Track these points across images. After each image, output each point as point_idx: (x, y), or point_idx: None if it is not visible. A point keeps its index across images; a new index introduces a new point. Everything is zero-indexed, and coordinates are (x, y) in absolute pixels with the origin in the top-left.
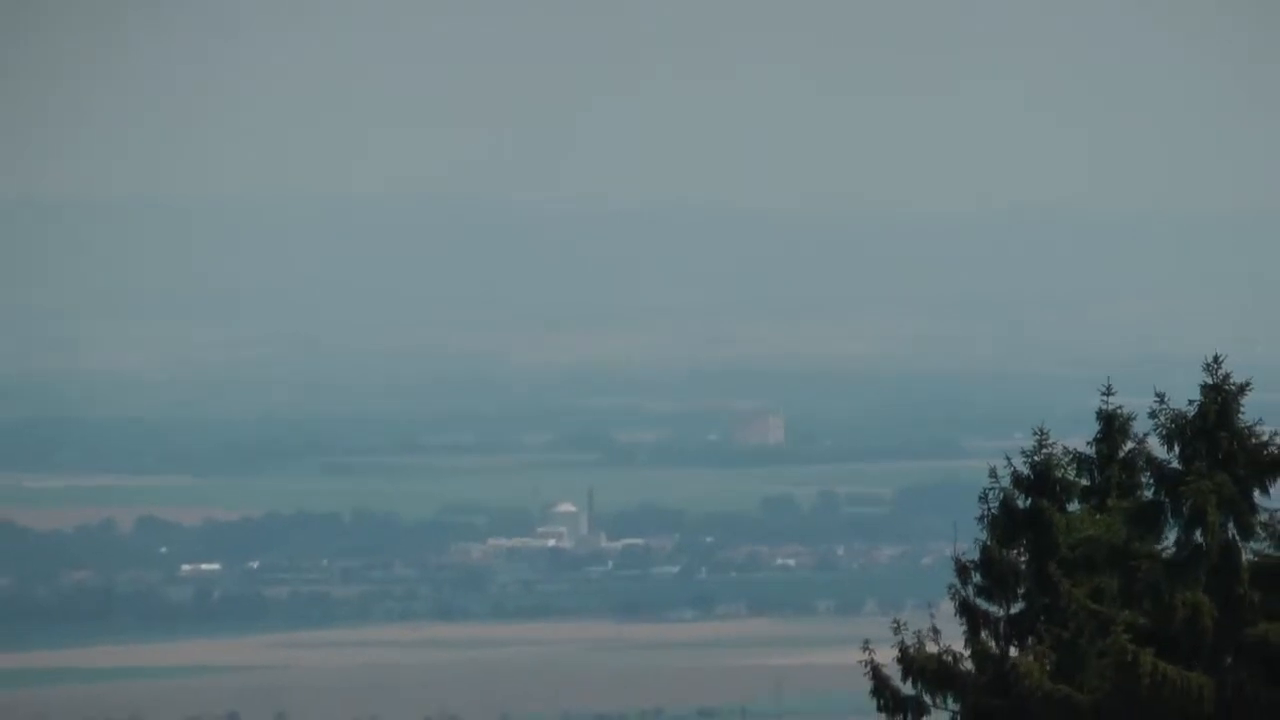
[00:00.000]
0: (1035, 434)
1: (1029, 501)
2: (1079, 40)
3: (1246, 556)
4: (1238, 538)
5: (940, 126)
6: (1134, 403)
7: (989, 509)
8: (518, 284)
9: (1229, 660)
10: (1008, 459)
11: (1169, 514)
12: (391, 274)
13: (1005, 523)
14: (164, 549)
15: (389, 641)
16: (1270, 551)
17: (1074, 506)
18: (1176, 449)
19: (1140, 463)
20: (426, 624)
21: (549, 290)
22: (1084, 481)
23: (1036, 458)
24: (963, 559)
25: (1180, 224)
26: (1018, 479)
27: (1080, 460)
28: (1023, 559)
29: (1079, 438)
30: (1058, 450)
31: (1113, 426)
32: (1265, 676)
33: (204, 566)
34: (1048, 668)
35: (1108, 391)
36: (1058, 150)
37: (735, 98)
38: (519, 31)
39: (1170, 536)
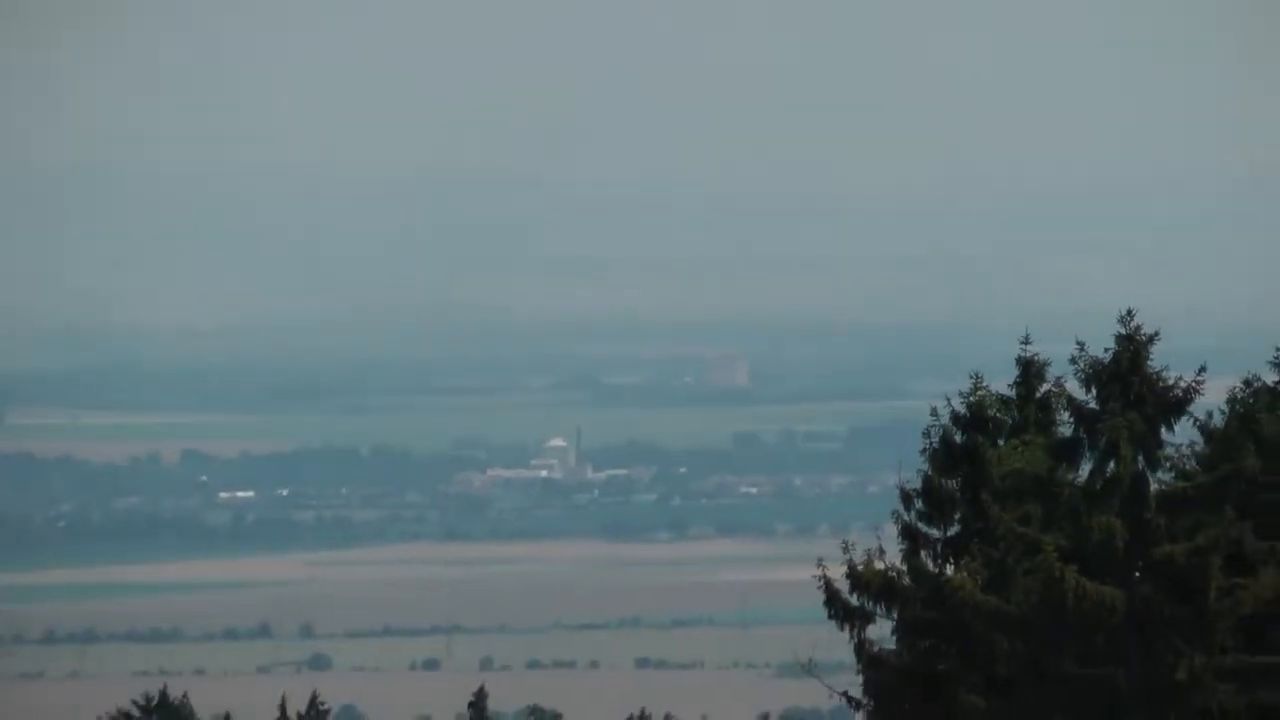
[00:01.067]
0: (971, 378)
1: (964, 437)
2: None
3: (1154, 486)
4: (1146, 469)
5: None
6: (1063, 350)
7: (930, 444)
8: (521, 244)
9: (1138, 576)
10: (947, 400)
11: (1087, 448)
12: (409, 238)
13: (944, 456)
14: (204, 478)
15: (402, 560)
16: (1174, 481)
17: (1004, 443)
18: (1094, 391)
19: (1056, 403)
20: (434, 544)
21: (548, 249)
22: (1009, 419)
23: (971, 399)
24: (906, 488)
25: (1124, 190)
26: (955, 418)
27: (1004, 401)
28: (958, 488)
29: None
30: (990, 395)
31: (1029, 371)
32: (1169, 591)
33: (239, 494)
34: (979, 583)
35: (1026, 340)
36: (1016, 119)
37: (713, 82)
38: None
39: (1087, 468)
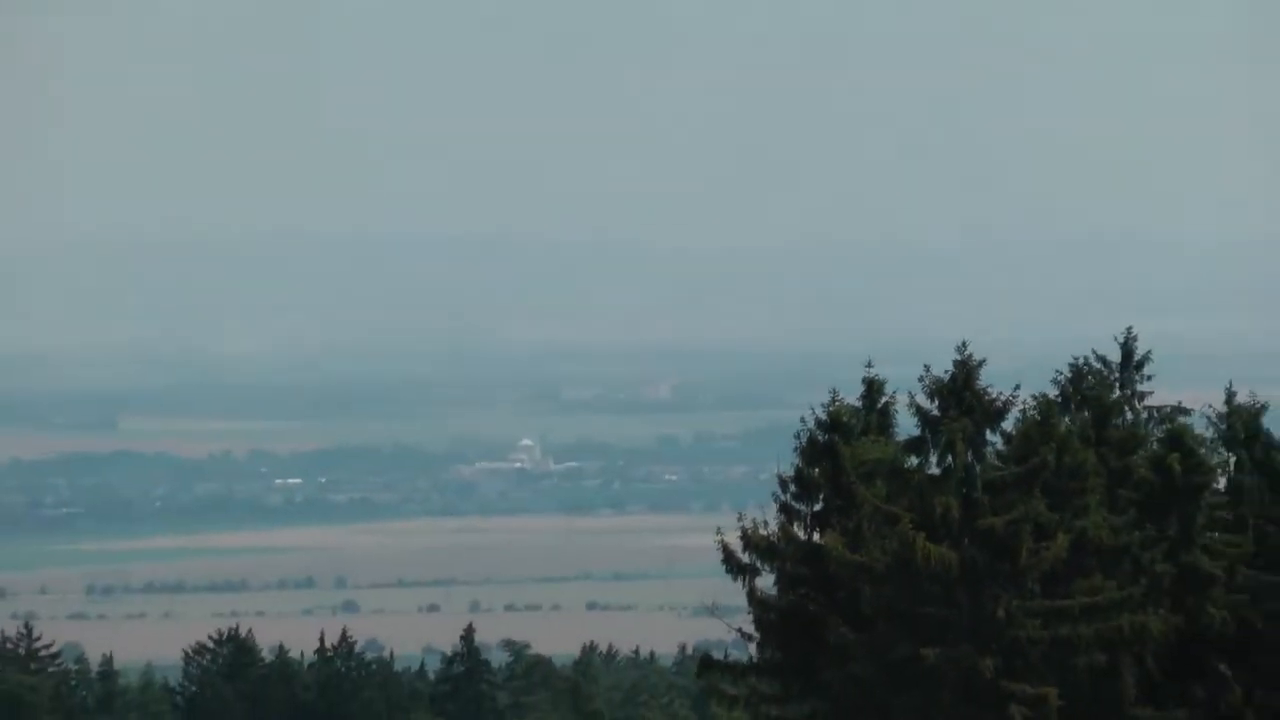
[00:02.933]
0: (830, 393)
1: (825, 438)
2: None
3: (981, 473)
4: (975, 461)
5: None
6: (915, 371)
7: (800, 443)
8: (500, 292)
9: (968, 541)
10: (812, 410)
11: (930, 445)
12: (418, 287)
13: (810, 452)
14: (264, 469)
15: (412, 530)
16: (995, 470)
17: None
18: (936, 402)
19: (893, 411)
20: (436, 519)
21: (520, 297)
22: (860, 425)
23: (830, 409)
24: (783, 475)
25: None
26: (819, 423)
27: (854, 410)
28: (821, 476)
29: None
30: (845, 406)
31: (872, 388)
32: (991, 552)
33: (290, 481)
34: (847, 544)
35: (869, 364)
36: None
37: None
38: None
39: (932, 459)
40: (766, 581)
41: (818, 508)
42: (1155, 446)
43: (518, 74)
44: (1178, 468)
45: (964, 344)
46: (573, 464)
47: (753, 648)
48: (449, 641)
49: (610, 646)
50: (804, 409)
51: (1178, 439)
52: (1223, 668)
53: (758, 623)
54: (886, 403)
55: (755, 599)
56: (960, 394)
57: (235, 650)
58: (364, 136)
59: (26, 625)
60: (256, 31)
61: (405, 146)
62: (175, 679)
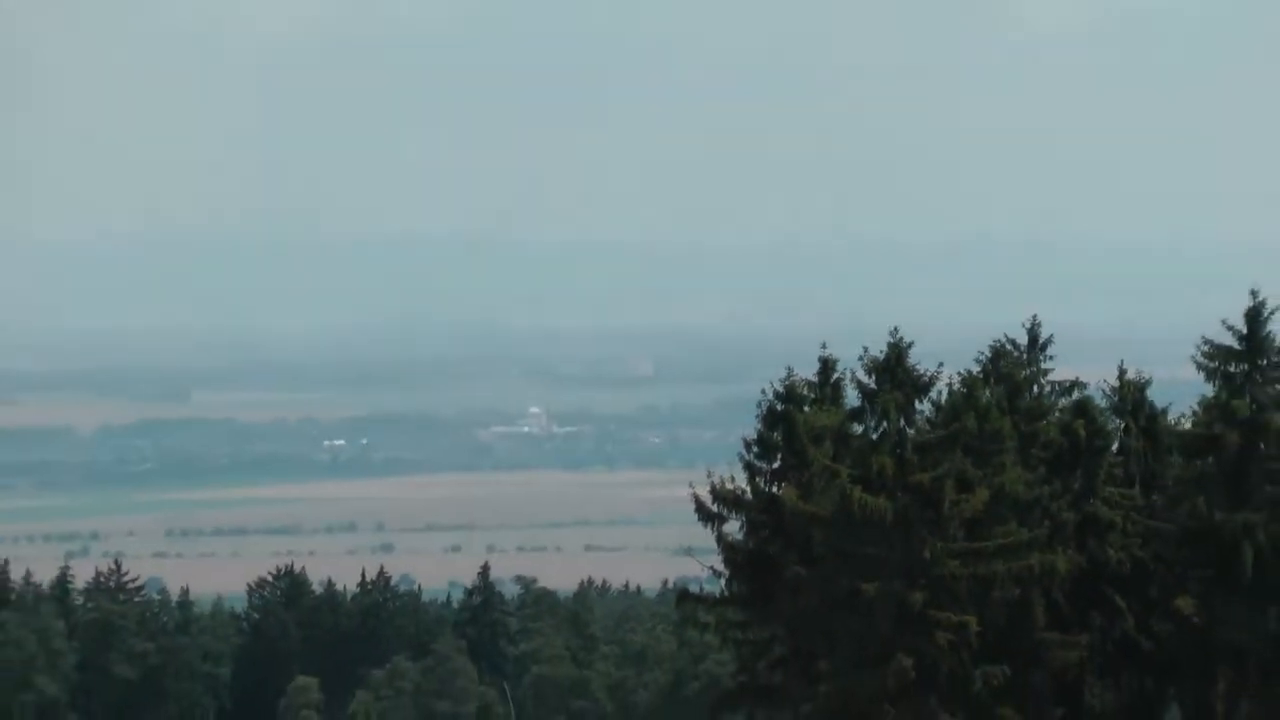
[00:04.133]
0: (786, 370)
1: (782, 407)
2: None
3: (912, 435)
4: (905, 426)
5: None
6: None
7: (761, 411)
8: (508, 285)
9: (900, 493)
10: (772, 384)
11: (869, 413)
12: (445, 282)
13: (769, 418)
14: (314, 433)
15: (438, 484)
16: (925, 433)
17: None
18: (873, 377)
19: (844, 385)
20: (459, 474)
21: (527, 289)
22: (812, 396)
23: (786, 383)
24: (747, 438)
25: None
26: (777, 395)
27: (809, 384)
28: (779, 439)
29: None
30: (799, 380)
31: (826, 365)
32: (920, 502)
33: (336, 442)
34: (802, 497)
35: (824, 346)
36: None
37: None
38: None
39: (871, 425)
40: (733, 527)
41: (776, 465)
42: (1060, 415)
43: (516, 86)
44: (1083, 432)
45: (896, 329)
46: (571, 429)
47: (722, 582)
48: (469, 577)
49: (604, 581)
50: (765, 383)
51: (1083, 408)
52: (1118, 599)
53: (726, 562)
54: (837, 378)
55: (724, 542)
56: (893, 371)
57: (290, 584)
58: (389, 149)
59: (116, 563)
60: (312, 45)
61: (422, 159)
62: (241, 607)
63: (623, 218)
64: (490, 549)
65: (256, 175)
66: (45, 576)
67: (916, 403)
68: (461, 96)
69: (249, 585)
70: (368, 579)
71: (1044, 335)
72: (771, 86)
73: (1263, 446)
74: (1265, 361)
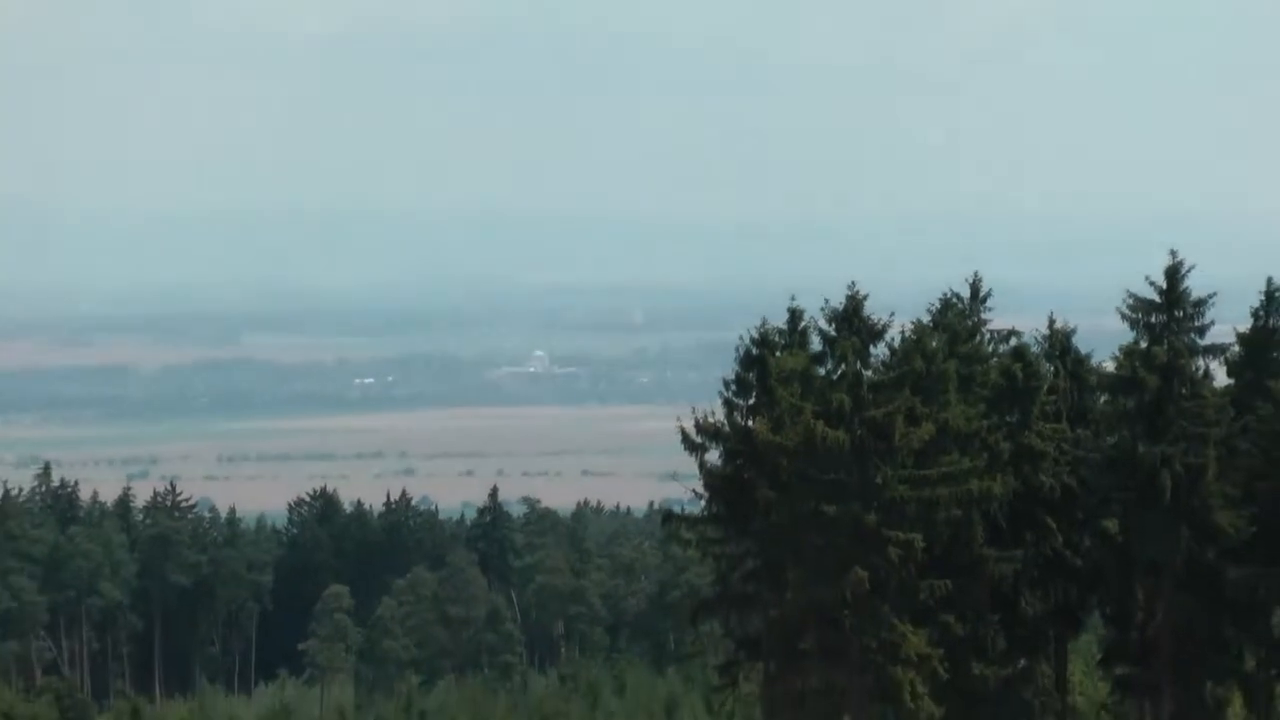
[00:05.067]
0: (762, 320)
1: (756, 351)
2: None
3: (867, 376)
4: (862, 369)
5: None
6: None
7: (739, 354)
8: (518, 247)
9: (856, 427)
10: (749, 330)
11: (829, 357)
12: (461, 244)
13: (745, 361)
14: (346, 372)
15: (454, 417)
16: (879, 374)
17: (779, 355)
18: (834, 325)
19: (810, 332)
20: (473, 408)
21: (532, 250)
22: (782, 342)
23: (760, 330)
24: (726, 379)
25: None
26: (753, 340)
27: (779, 331)
28: (754, 379)
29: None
30: (771, 328)
31: (794, 316)
32: (873, 434)
33: (366, 380)
34: (769, 429)
35: (793, 298)
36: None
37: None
38: None
39: (831, 367)
40: (713, 456)
41: (750, 402)
42: (998, 359)
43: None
44: (1018, 374)
45: (854, 283)
46: (571, 369)
47: (702, 504)
48: (480, 498)
49: (598, 503)
50: (742, 331)
51: (1019, 353)
52: (1049, 520)
53: (706, 486)
54: (804, 327)
55: (704, 469)
56: (851, 320)
57: (325, 503)
58: (419, 132)
59: (172, 484)
60: (347, 43)
61: (444, 140)
62: (281, 524)
63: (617, 190)
64: (499, 474)
65: (300, 155)
66: (110, 496)
67: (871, 348)
68: (479, 89)
69: (288, 504)
70: (391, 500)
71: (984, 290)
72: (745, 79)
73: (1178, 387)
74: (1181, 313)
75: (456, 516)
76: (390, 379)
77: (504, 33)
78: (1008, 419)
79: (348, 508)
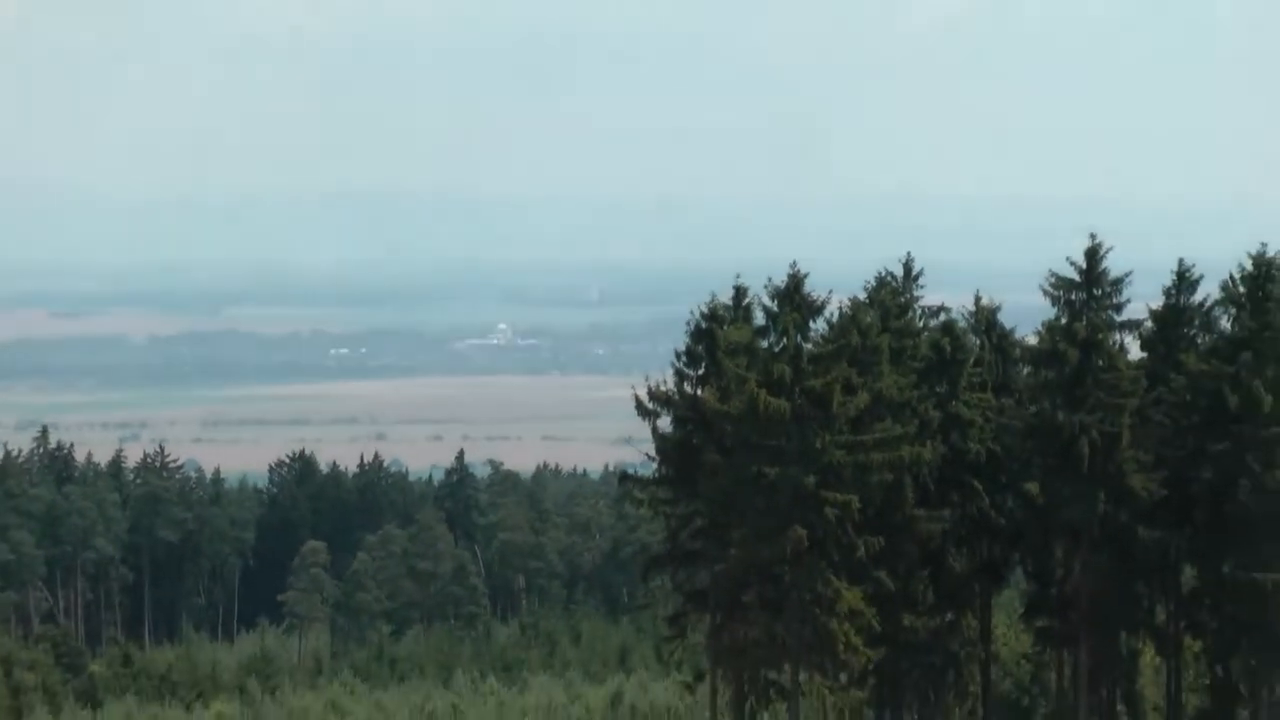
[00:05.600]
0: (710, 295)
1: (705, 325)
2: None
3: (807, 349)
4: (802, 342)
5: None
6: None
7: (689, 328)
8: (491, 229)
9: (796, 396)
10: (700, 305)
11: (772, 330)
12: (439, 230)
13: (695, 334)
14: (323, 343)
15: (423, 386)
16: (818, 346)
17: (725, 329)
18: (776, 302)
19: (754, 308)
20: (442, 377)
21: (491, 228)
22: (729, 317)
23: (710, 306)
24: (678, 350)
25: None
26: (702, 315)
27: (727, 307)
28: (703, 351)
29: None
30: (719, 304)
31: (739, 293)
32: (813, 403)
33: (341, 350)
34: (716, 398)
35: (738, 276)
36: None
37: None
38: None
39: (774, 340)
40: (664, 422)
41: (700, 373)
42: (928, 333)
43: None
44: (948, 347)
45: (794, 263)
46: (533, 341)
47: (654, 466)
48: (447, 460)
49: (557, 465)
50: (693, 306)
51: (947, 328)
52: (974, 483)
53: (658, 450)
54: (748, 302)
55: (657, 434)
56: (792, 296)
57: (303, 465)
58: (391, 119)
59: (161, 447)
60: (331, 38)
61: (415, 127)
62: (262, 484)
63: (574, 175)
64: (464, 438)
65: (279, 143)
66: (103, 458)
67: (811, 322)
68: (448, 81)
69: (269, 466)
70: (365, 462)
71: (917, 269)
72: (697, 73)
73: (1096, 360)
74: (1100, 291)
75: (425, 478)
76: (363, 350)
77: (472, 30)
78: (937, 389)
79: (324, 469)
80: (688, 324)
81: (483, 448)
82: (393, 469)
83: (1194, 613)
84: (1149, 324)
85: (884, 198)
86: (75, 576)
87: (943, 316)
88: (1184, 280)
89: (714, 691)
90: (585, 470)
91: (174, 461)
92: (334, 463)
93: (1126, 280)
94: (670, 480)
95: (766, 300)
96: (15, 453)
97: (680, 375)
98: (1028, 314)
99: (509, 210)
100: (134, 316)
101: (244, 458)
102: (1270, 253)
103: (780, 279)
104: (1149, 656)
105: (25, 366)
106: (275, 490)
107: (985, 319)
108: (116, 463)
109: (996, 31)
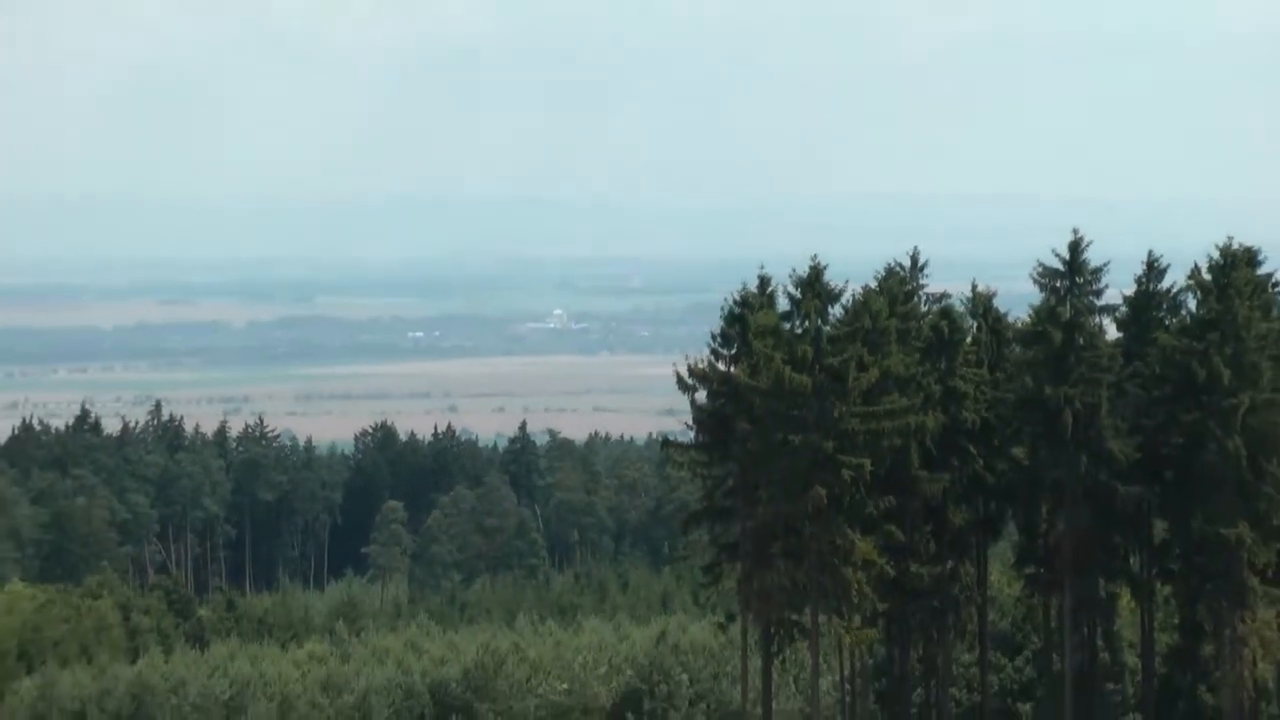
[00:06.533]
0: (741, 285)
1: (739, 311)
2: None
3: (826, 331)
4: (822, 324)
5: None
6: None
7: (724, 313)
8: (550, 228)
9: (817, 372)
10: (731, 295)
11: (796, 314)
12: (484, 223)
13: (729, 318)
14: (401, 327)
15: (489, 364)
16: (836, 329)
17: (756, 314)
18: (799, 290)
19: (779, 295)
20: (505, 357)
21: (555, 228)
22: (758, 303)
23: (741, 293)
24: (713, 332)
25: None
26: (735, 302)
27: (754, 294)
28: (736, 333)
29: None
30: (749, 292)
31: (764, 282)
32: (831, 378)
33: (416, 334)
34: (747, 373)
35: (762, 267)
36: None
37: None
38: None
39: (797, 323)
40: (701, 396)
41: (732, 352)
42: (930, 317)
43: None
44: (946, 329)
45: (815, 256)
46: (584, 325)
47: (693, 434)
48: (511, 430)
49: (607, 434)
50: (726, 293)
51: (946, 312)
52: (971, 448)
53: (695, 420)
54: (773, 290)
55: (695, 406)
56: (813, 285)
57: (384, 434)
58: (460, 132)
59: (259, 418)
60: (398, 59)
61: (488, 139)
62: (348, 451)
63: (620, 178)
64: (525, 410)
65: (364, 152)
66: (209, 428)
67: (829, 308)
68: (508, 95)
69: (354, 435)
70: (438, 431)
71: (922, 261)
72: (732, 81)
73: (1078, 340)
74: (1082, 280)
75: (491, 445)
76: (436, 333)
77: (534, 46)
78: (937, 366)
79: (402, 438)
80: (722, 309)
81: (541, 418)
82: (462, 437)
83: (1165, 561)
84: (1124, 308)
85: (900, 197)
86: (185, 533)
87: (943, 302)
88: (1153, 270)
89: (744, 631)
90: (631, 438)
91: (271, 431)
92: (411, 432)
93: (1105, 270)
94: (706, 446)
95: (791, 288)
96: (133, 424)
97: (715, 354)
98: (1019, 300)
99: (562, 210)
100: (234, 305)
101: (332, 428)
102: (1235, 245)
103: (803, 270)
104: (1125, 599)
105: (141, 348)
106: (359, 456)
107: (982, 304)
108: (221, 433)
109: (989, 58)
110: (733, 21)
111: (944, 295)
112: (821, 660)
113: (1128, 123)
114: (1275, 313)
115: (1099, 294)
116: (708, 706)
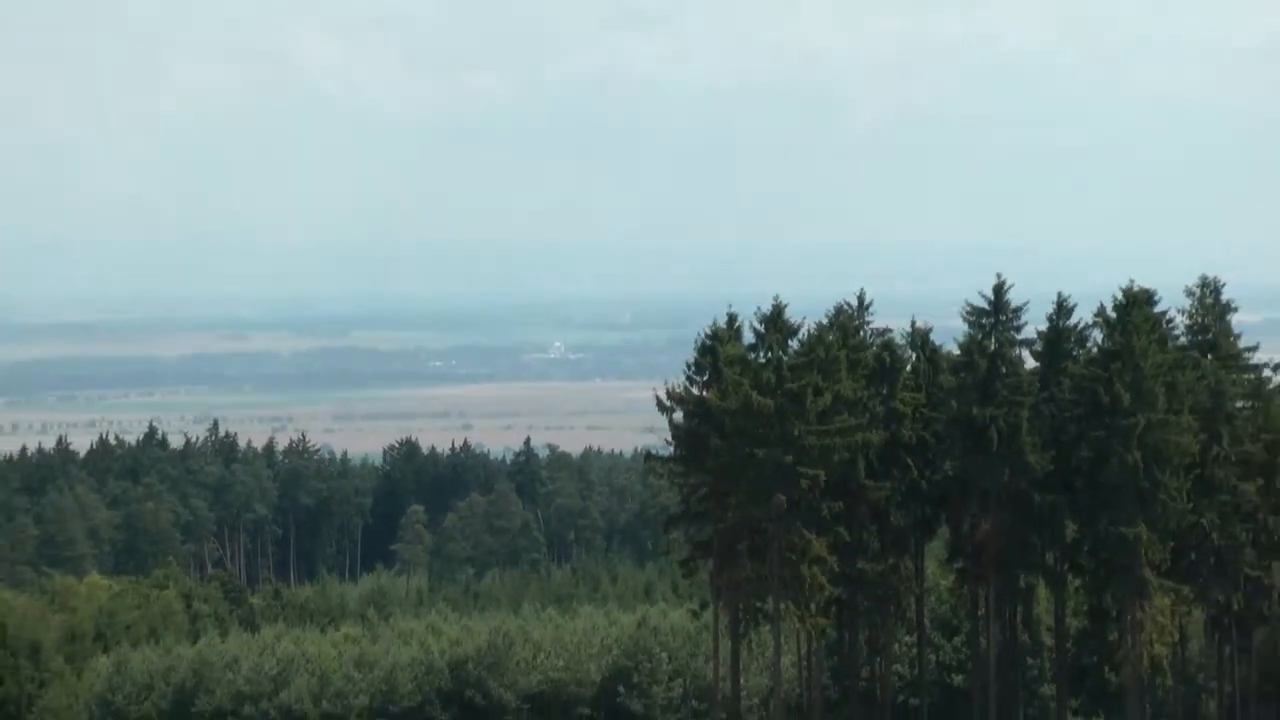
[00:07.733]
0: (713, 321)
1: (710, 343)
2: None
3: (785, 360)
4: (782, 355)
5: None
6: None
7: (698, 344)
8: (558, 268)
9: (778, 396)
10: (705, 329)
11: (760, 346)
12: (484, 268)
13: (703, 350)
14: (424, 356)
15: (497, 390)
16: (795, 358)
17: (725, 346)
18: (763, 325)
19: (744, 329)
20: (510, 383)
21: (552, 266)
22: (727, 336)
23: (713, 329)
24: (689, 361)
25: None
26: (708, 336)
27: (725, 330)
28: (709, 362)
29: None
30: (720, 327)
31: (731, 319)
32: (790, 401)
33: (437, 363)
34: (720, 396)
35: (730, 306)
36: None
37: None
38: None
39: (761, 354)
40: (679, 416)
41: (706, 378)
42: (874, 349)
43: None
44: (888, 359)
45: (777, 296)
46: (580, 355)
47: (672, 449)
48: (517, 445)
49: (599, 448)
50: (701, 329)
51: (889, 344)
52: (909, 461)
53: (674, 436)
54: (739, 325)
55: (673, 424)
56: (775, 321)
57: (409, 449)
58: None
59: (302, 435)
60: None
61: (493, 188)
62: (378, 463)
63: (610, 224)
64: (530, 428)
65: (388, 202)
66: (259, 443)
67: (789, 341)
68: (515, 150)
69: (383, 449)
70: (455, 446)
71: (868, 300)
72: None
73: (1001, 368)
74: (1004, 317)
75: (500, 458)
76: (454, 362)
77: (534, 113)
78: (881, 390)
79: (425, 452)
80: (697, 342)
81: (543, 435)
82: (476, 451)
83: (1075, 557)
84: (1039, 342)
85: (856, 244)
86: (238, 533)
87: (886, 336)
88: (1062, 309)
89: (716, 617)
90: (620, 452)
91: (312, 446)
92: (432, 447)
93: (1024, 309)
94: (683, 459)
95: (756, 324)
96: (194, 440)
97: (690, 381)
98: (950, 334)
99: (560, 253)
100: (282, 337)
101: (364, 443)
102: (1135, 287)
103: (766, 308)
104: (1041, 589)
105: (202, 375)
106: (388, 467)
107: (919, 337)
108: (269, 447)
109: (924, 129)
110: (714, 91)
111: (886, 330)
112: (782, 642)
113: (1044, 182)
114: (1169, 345)
115: (1019, 329)
116: (685, 681)
